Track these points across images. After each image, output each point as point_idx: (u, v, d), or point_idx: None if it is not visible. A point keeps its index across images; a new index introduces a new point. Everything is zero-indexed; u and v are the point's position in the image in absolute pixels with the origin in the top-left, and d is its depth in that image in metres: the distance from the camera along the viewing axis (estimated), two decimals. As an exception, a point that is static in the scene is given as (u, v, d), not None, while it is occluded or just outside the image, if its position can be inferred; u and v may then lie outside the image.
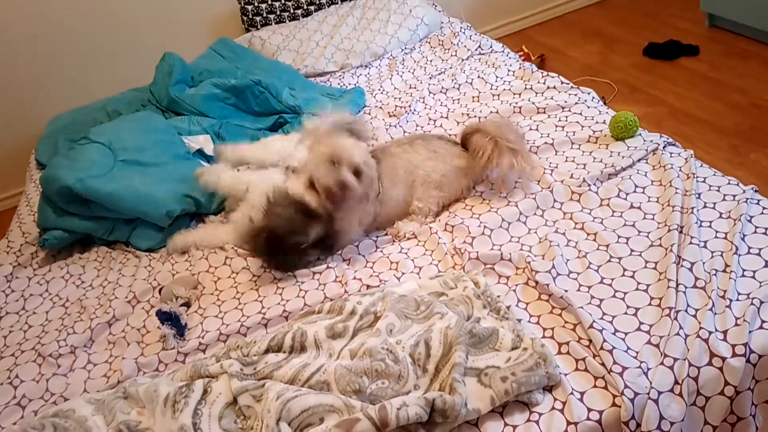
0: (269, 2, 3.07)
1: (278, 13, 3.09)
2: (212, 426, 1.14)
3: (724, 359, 1.11)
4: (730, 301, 1.21)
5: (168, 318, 1.50)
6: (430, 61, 2.63)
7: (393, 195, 1.66)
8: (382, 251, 1.61)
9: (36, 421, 1.22)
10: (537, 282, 1.36)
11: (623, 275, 1.34)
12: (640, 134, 1.76)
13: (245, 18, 3.09)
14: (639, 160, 1.65)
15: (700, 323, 1.18)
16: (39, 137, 2.62)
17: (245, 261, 1.71)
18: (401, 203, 1.68)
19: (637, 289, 1.30)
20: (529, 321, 1.29)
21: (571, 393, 1.12)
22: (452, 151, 1.72)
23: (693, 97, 2.71)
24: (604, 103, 2.01)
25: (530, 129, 1.92)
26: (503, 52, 2.51)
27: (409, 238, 1.63)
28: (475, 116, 2.07)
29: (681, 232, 1.39)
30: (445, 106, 2.22)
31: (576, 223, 1.52)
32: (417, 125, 2.14)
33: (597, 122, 1.86)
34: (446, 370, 1.16)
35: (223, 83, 2.31)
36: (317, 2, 3.11)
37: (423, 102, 2.26)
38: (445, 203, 1.71)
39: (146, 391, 1.22)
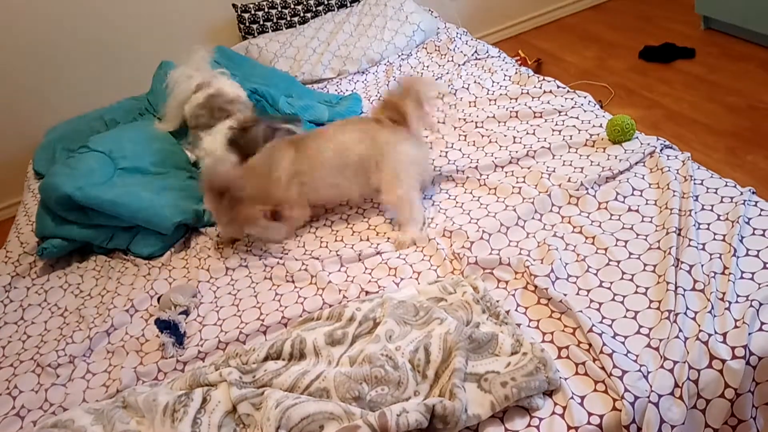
0: (266, 10, 3.08)
1: (275, 20, 3.09)
2: (212, 435, 1.14)
3: (723, 362, 1.11)
4: (729, 303, 1.21)
5: (167, 326, 1.50)
6: (427, 66, 2.64)
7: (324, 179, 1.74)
8: (381, 257, 1.61)
9: (35, 432, 1.21)
10: (536, 286, 1.35)
11: (622, 278, 1.34)
12: (637, 137, 1.77)
13: (242, 26, 3.10)
14: (636, 163, 1.65)
15: (699, 326, 1.17)
16: (36, 147, 2.62)
17: (246, 268, 1.71)
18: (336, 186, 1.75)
19: (636, 292, 1.30)
20: (528, 325, 1.29)
21: (572, 397, 1.11)
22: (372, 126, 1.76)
23: (689, 99, 2.72)
24: (601, 107, 2.01)
25: (527, 133, 1.93)
26: (499, 56, 2.51)
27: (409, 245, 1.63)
28: (472, 121, 2.07)
29: (679, 234, 1.39)
30: (442, 111, 2.22)
31: (574, 227, 1.52)
32: (414, 131, 2.14)
33: (594, 126, 1.87)
34: (446, 375, 1.16)
35: None
36: (314, 10, 3.12)
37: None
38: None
39: (145, 400, 1.22)
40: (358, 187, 1.75)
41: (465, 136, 2.02)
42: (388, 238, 1.68)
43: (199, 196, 1.88)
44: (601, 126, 1.85)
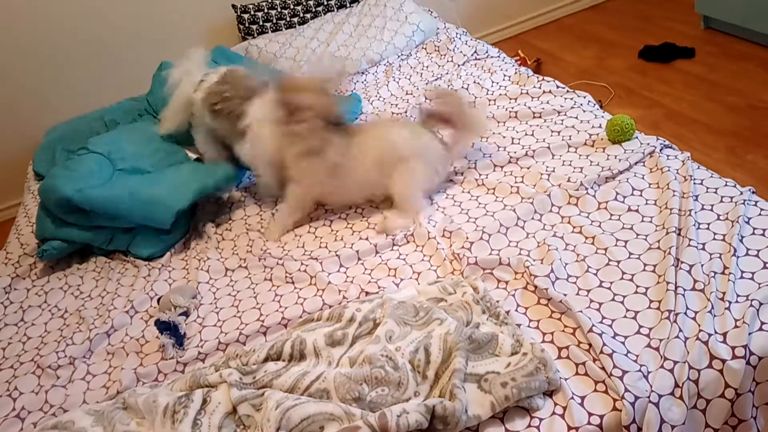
0: (265, 11, 3.08)
1: (274, 21, 3.09)
2: (212, 436, 1.14)
3: (724, 361, 1.11)
4: (729, 303, 1.21)
5: (167, 327, 1.50)
6: (427, 67, 2.64)
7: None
8: (381, 257, 1.61)
9: (35, 434, 1.21)
10: (536, 286, 1.35)
11: (622, 278, 1.34)
12: (636, 137, 1.76)
13: (241, 26, 3.10)
14: (636, 163, 1.65)
15: (699, 326, 1.17)
16: (36, 148, 2.62)
17: (245, 269, 1.71)
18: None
19: (636, 292, 1.30)
20: (528, 326, 1.29)
21: (572, 398, 1.11)
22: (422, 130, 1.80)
23: (689, 99, 2.72)
24: (601, 107, 2.01)
25: (526, 134, 1.93)
26: (499, 57, 2.51)
27: (400, 241, 1.63)
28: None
29: (679, 234, 1.39)
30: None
31: (574, 227, 1.52)
32: (414, 131, 2.14)
33: (593, 126, 1.87)
34: (446, 376, 1.16)
35: None
36: (313, 10, 3.12)
37: (420, 108, 2.26)
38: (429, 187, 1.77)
39: (145, 401, 1.22)
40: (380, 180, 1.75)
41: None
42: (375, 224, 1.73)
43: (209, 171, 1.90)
44: (600, 126, 1.85)
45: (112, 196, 1.82)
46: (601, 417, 1.08)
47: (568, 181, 1.66)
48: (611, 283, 1.33)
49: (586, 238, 1.47)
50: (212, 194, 1.95)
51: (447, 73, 2.49)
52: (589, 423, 1.08)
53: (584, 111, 1.96)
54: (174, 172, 1.99)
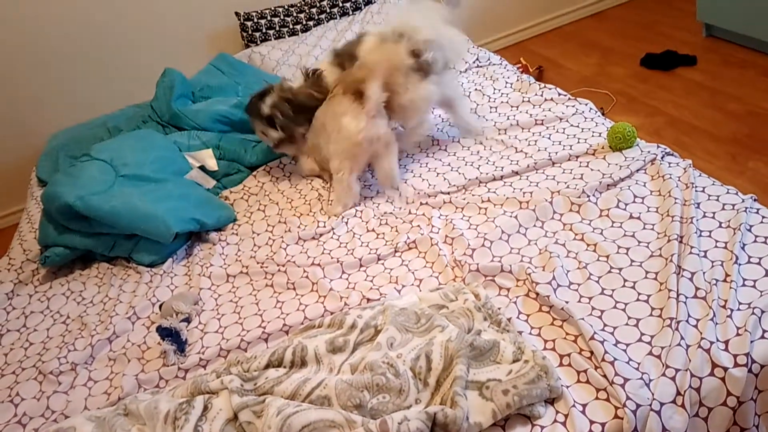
0: (268, 18, 3.10)
1: (277, 28, 3.11)
2: (213, 442, 1.14)
3: (726, 369, 1.11)
4: (731, 310, 1.21)
5: (168, 334, 1.50)
6: (429, 74, 2.64)
7: None
8: (382, 264, 1.61)
9: (36, 440, 1.21)
10: (537, 294, 1.35)
11: (624, 286, 1.34)
12: (637, 145, 1.77)
13: (245, 34, 3.11)
14: (637, 171, 1.66)
15: (701, 333, 1.17)
16: (40, 154, 2.63)
17: (247, 276, 1.72)
18: None
19: (637, 299, 1.30)
20: (530, 333, 1.29)
21: (573, 405, 1.11)
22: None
23: (691, 106, 2.72)
24: (603, 114, 2.01)
25: (528, 141, 1.93)
26: (501, 64, 2.52)
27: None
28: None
29: (681, 242, 1.39)
30: (443, 119, 2.22)
31: (576, 234, 1.52)
32: (416, 138, 2.14)
33: (595, 134, 1.87)
34: (447, 383, 1.16)
35: (229, 115, 2.33)
36: (316, 18, 3.13)
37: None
38: None
39: (147, 407, 1.22)
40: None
41: (467, 145, 2.02)
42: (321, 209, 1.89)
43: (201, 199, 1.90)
44: (601, 134, 1.85)
45: (112, 208, 1.82)
46: (603, 425, 1.08)
47: (568, 188, 1.66)
48: (613, 290, 1.33)
49: (588, 245, 1.47)
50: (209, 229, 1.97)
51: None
52: (590, 431, 1.07)
53: (586, 119, 1.96)
54: (178, 189, 1.98)
